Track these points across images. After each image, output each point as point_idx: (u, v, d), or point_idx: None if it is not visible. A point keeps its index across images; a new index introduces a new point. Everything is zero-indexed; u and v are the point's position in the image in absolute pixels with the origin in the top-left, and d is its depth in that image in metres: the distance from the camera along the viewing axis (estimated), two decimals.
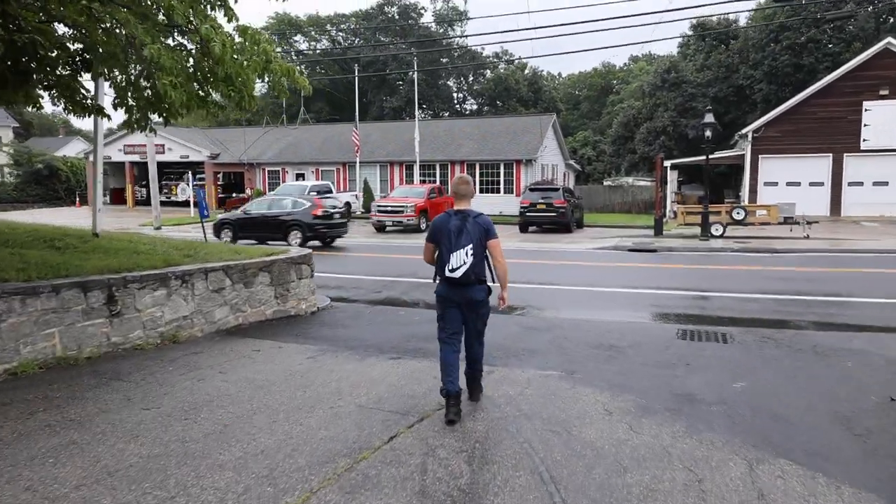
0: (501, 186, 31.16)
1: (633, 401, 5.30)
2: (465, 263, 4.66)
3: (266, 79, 5.83)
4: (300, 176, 34.61)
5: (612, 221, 28.39)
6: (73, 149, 50.28)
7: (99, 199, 8.57)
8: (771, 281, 12.46)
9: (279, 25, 61.67)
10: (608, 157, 49.88)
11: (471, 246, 4.67)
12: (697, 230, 21.24)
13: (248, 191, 34.55)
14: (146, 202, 40.22)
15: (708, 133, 18.11)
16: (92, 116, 6.93)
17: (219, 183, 37.67)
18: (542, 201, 23.17)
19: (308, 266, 9.12)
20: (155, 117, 6.26)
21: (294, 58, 64.97)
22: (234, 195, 35.58)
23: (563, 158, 38.83)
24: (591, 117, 73.46)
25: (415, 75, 34.59)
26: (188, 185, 31.23)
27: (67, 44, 6.00)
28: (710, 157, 20.65)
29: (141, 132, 6.33)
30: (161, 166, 40.06)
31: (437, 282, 4.93)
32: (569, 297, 10.96)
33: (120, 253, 7.36)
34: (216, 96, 6.18)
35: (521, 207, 23.75)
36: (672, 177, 32.24)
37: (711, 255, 17.03)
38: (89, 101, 6.73)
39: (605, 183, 47.20)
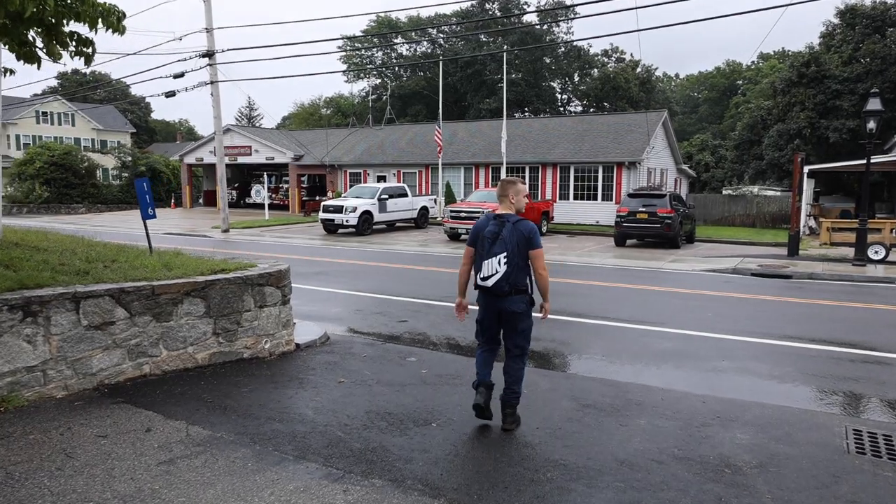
0: (599, 192, 27.38)
1: None
2: (496, 272, 4.37)
3: None
4: (382, 178, 32.59)
5: (731, 236, 23.88)
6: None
7: None
8: None
9: (380, 28, 60.85)
10: (730, 163, 44.05)
11: (504, 254, 4.35)
12: (846, 251, 16.74)
13: (329, 193, 33.05)
14: (236, 204, 40.06)
15: (871, 124, 13.57)
16: None
17: (303, 185, 36.55)
18: (643, 210, 19.39)
19: (276, 288, 6.44)
20: None
21: (394, 60, 64.05)
22: (316, 198, 34.33)
23: (674, 163, 34.28)
24: (710, 121, 66.96)
25: (504, 65, 31.49)
26: (263, 186, 30.10)
27: None
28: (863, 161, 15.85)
29: None
30: (249, 168, 40.08)
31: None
32: (660, 346, 7.56)
33: None
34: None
35: (618, 216, 20.08)
36: (808, 187, 26.94)
37: (873, 287, 12.70)
38: None
39: (724, 192, 41.73)
